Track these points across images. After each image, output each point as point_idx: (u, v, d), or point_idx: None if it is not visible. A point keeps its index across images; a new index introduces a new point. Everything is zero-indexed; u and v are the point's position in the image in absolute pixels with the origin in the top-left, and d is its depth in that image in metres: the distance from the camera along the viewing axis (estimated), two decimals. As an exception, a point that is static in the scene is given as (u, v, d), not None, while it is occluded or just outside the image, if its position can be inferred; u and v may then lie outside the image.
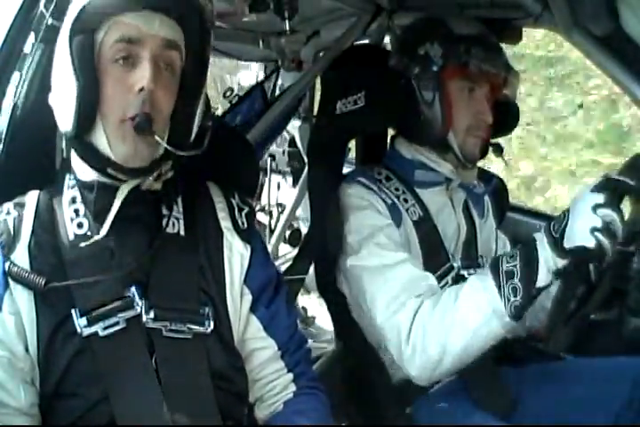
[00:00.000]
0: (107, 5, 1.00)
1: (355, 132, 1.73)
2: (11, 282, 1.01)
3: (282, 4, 1.66)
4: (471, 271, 1.47)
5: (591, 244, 1.11)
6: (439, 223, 1.50)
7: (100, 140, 1.02)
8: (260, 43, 2.21)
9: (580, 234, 1.13)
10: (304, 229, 2.96)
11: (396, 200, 1.47)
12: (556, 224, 1.19)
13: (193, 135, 1.09)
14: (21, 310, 1.00)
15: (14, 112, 1.29)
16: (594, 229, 1.11)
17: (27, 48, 1.36)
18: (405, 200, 1.48)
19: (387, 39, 2.00)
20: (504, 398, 1.42)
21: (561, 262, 1.16)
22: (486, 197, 1.66)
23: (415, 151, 1.54)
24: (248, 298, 1.15)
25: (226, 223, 1.17)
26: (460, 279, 1.43)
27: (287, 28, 1.76)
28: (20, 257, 1.03)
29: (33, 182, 1.12)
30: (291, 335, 1.19)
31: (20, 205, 1.08)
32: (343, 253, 1.45)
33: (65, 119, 1.03)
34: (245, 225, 1.18)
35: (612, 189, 1.13)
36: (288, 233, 2.95)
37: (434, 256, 1.46)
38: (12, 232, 1.04)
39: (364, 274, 1.40)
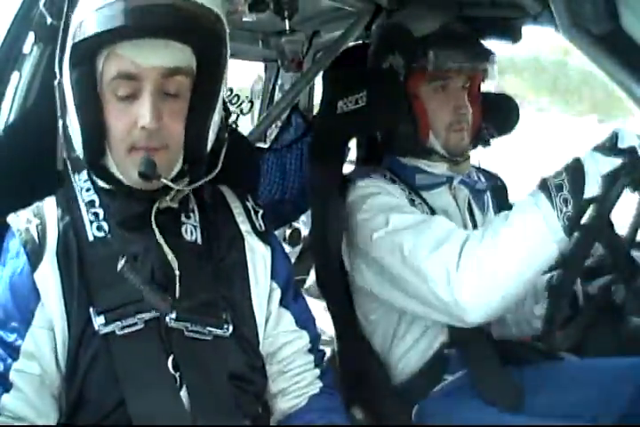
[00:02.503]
0: (100, 35, 0.95)
1: (355, 132, 1.72)
2: (41, 292, 1.00)
3: (282, 3, 1.66)
4: None
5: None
6: None
7: (112, 165, 1.03)
8: (260, 43, 2.21)
9: (631, 137, 1.17)
10: (304, 231, 2.96)
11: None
12: (607, 141, 1.20)
13: (207, 151, 1.07)
14: (54, 321, 1.00)
15: (13, 112, 1.29)
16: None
17: (26, 48, 1.36)
18: (412, 200, 1.48)
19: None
20: (512, 391, 1.41)
21: (617, 162, 1.17)
22: (487, 194, 1.66)
23: (408, 158, 1.54)
24: (277, 292, 1.17)
25: (245, 227, 1.18)
26: None
27: (287, 27, 1.76)
28: (49, 266, 1.01)
29: (33, 183, 1.12)
30: (316, 333, 1.23)
31: (40, 213, 1.07)
32: (372, 232, 1.39)
33: (77, 145, 1.03)
34: (263, 227, 1.19)
35: None
36: (288, 233, 2.95)
37: None
38: (38, 241, 1.03)
39: (398, 236, 1.35)
